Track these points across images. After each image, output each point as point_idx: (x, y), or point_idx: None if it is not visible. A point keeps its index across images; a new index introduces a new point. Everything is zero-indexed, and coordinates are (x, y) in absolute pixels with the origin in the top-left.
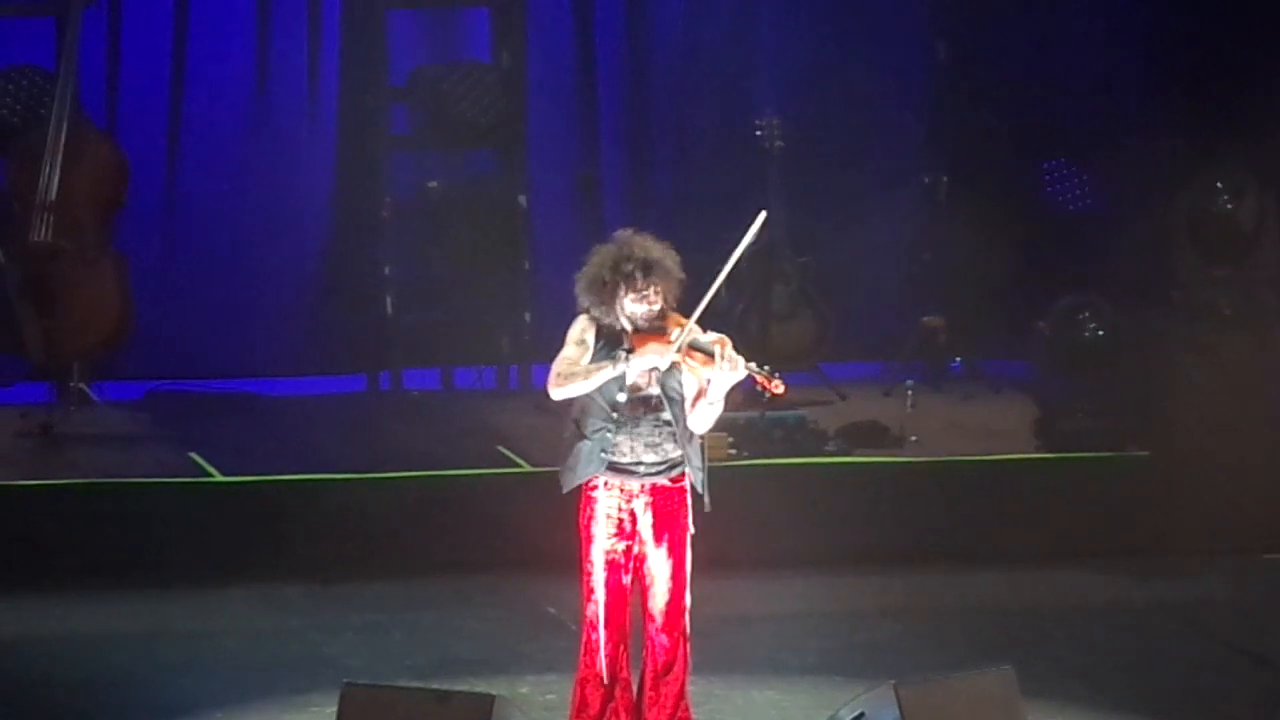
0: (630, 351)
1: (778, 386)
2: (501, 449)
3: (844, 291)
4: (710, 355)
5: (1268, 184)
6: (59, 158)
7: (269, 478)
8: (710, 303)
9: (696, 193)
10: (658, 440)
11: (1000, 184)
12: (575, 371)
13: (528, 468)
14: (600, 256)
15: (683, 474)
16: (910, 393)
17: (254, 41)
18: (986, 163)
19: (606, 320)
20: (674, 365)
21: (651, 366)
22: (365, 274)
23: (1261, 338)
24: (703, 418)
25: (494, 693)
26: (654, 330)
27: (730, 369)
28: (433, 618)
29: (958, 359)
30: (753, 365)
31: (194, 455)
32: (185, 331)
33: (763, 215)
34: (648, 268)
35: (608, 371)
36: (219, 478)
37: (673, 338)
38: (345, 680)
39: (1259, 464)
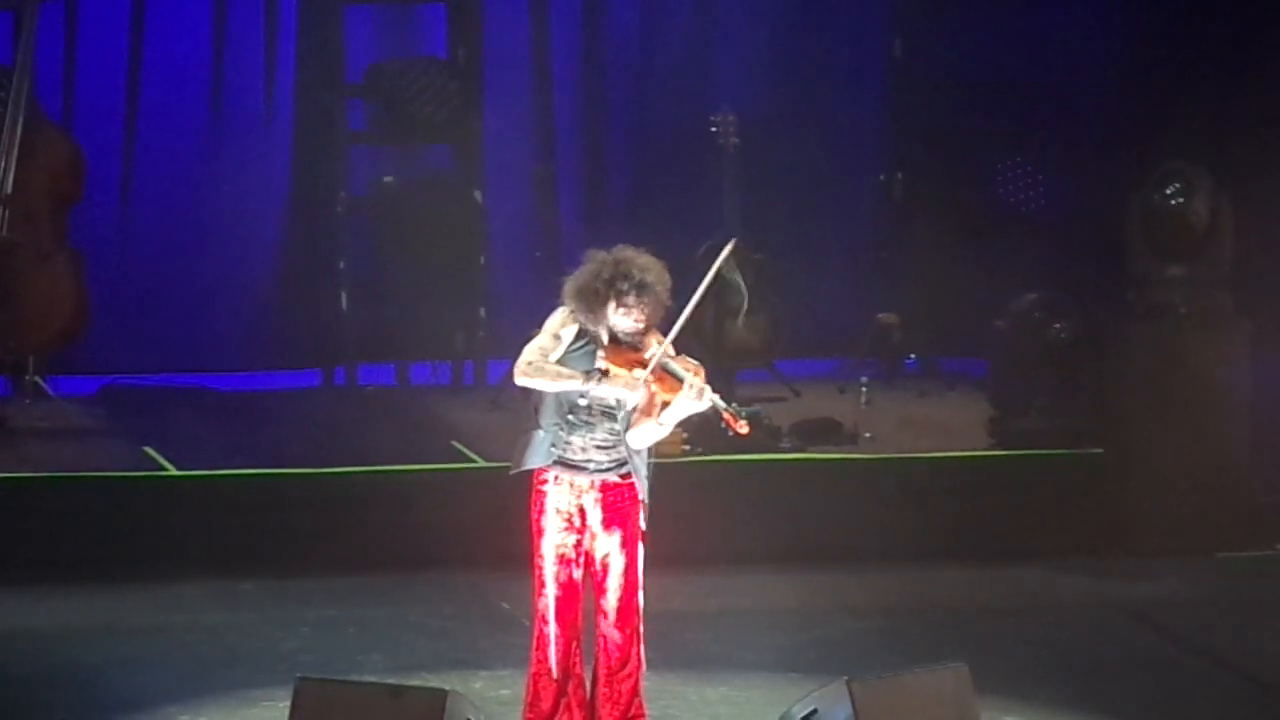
0: (604, 374)
1: (742, 427)
2: (456, 444)
3: (799, 288)
4: (679, 381)
5: (1221, 183)
6: (14, 152)
7: (224, 472)
8: (684, 326)
9: (652, 189)
10: (611, 442)
11: (956, 182)
12: (544, 369)
13: (482, 463)
14: (596, 267)
15: (632, 470)
16: (865, 389)
17: (210, 36)
18: (942, 161)
19: (587, 324)
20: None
21: (618, 399)
22: (320, 269)
23: (1216, 336)
24: (643, 436)
25: (448, 688)
26: (631, 344)
27: (695, 399)
28: (387, 613)
29: (912, 356)
30: (720, 401)
31: (148, 449)
32: (140, 326)
33: (733, 242)
34: (642, 288)
35: (575, 384)
36: (173, 472)
37: (648, 355)
38: (299, 675)
39: (1214, 463)
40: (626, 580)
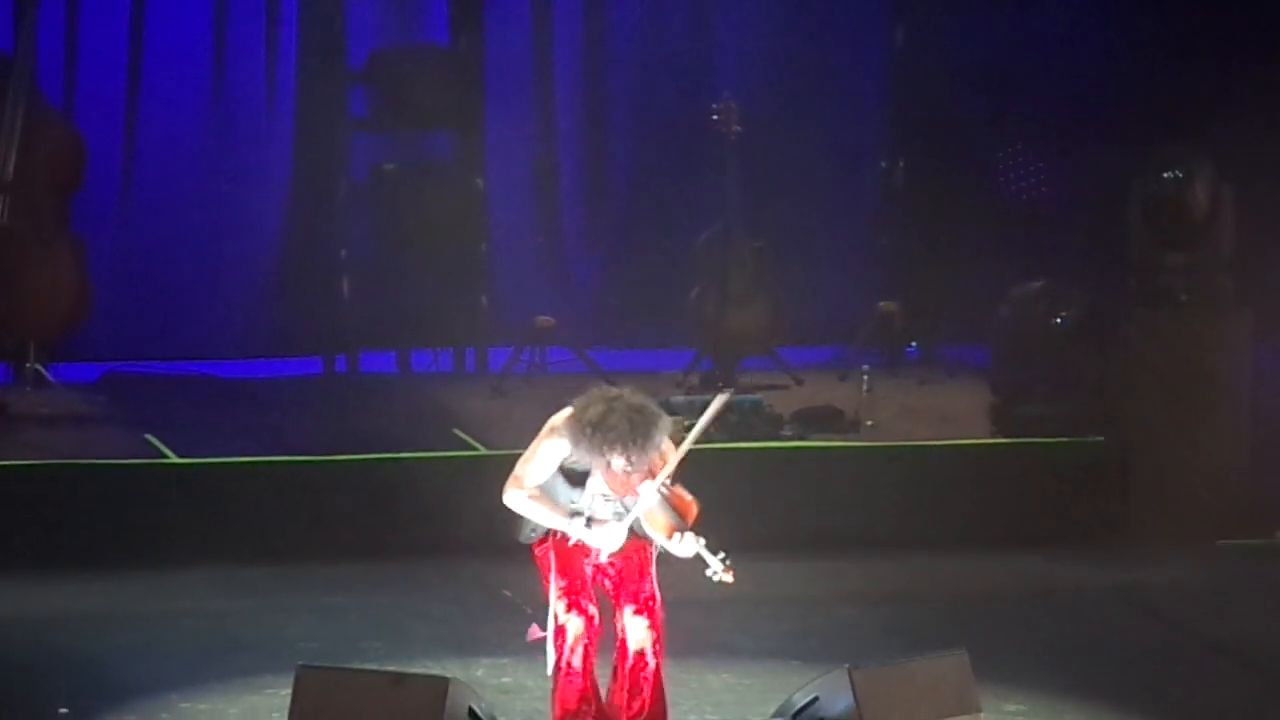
0: (590, 522)
1: (729, 576)
2: (457, 431)
3: (800, 276)
4: (668, 524)
5: (1221, 170)
6: (15, 139)
7: (225, 460)
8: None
9: (653, 176)
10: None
11: (957, 170)
12: (533, 495)
13: (484, 450)
14: (593, 416)
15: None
16: (866, 377)
17: (211, 23)
18: (943, 148)
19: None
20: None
21: (599, 547)
22: (321, 256)
23: (1217, 323)
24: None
25: (449, 675)
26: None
27: (677, 547)
28: (388, 600)
29: (913, 344)
30: (708, 550)
31: (150, 437)
32: (142, 313)
33: (727, 394)
34: (637, 448)
35: (559, 523)
36: (175, 459)
37: (640, 490)
38: (301, 663)
39: (1215, 450)
40: (643, 572)
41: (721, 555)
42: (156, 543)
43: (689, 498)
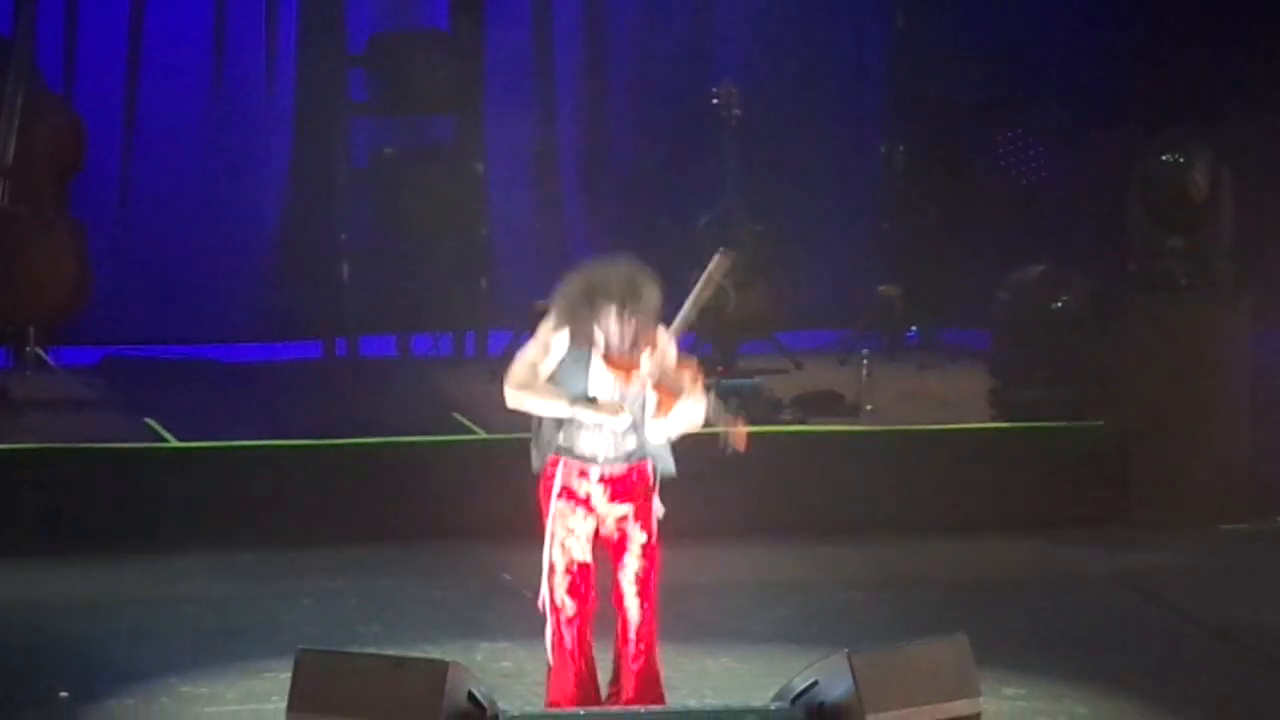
0: (591, 401)
1: (742, 441)
2: (457, 416)
3: (800, 260)
4: (675, 393)
5: (1220, 154)
6: (15, 122)
7: (225, 444)
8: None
9: (653, 159)
10: (617, 440)
11: (957, 154)
12: (532, 389)
13: (483, 435)
14: (582, 282)
15: (643, 460)
16: (866, 362)
17: (211, 6)
18: (944, 132)
19: (577, 335)
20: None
21: (600, 424)
22: (321, 240)
23: (1217, 307)
24: (658, 430)
25: (449, 659)
26: (624, 355)
27: (694, 410)
28: (388, 584)
29: (913, 328)
30: (721, 408)
31: (150, 421)
32: (141, 297)
33: (722, 254)
34: (631, 302)
35: (561, 408)
36: (174, 443)
37: (641, 365)
38: (300, 646)
39: (1215, 434)
40: (644, 553)
41: (735, 404)
42: (156, 526)
43: (692, 365)
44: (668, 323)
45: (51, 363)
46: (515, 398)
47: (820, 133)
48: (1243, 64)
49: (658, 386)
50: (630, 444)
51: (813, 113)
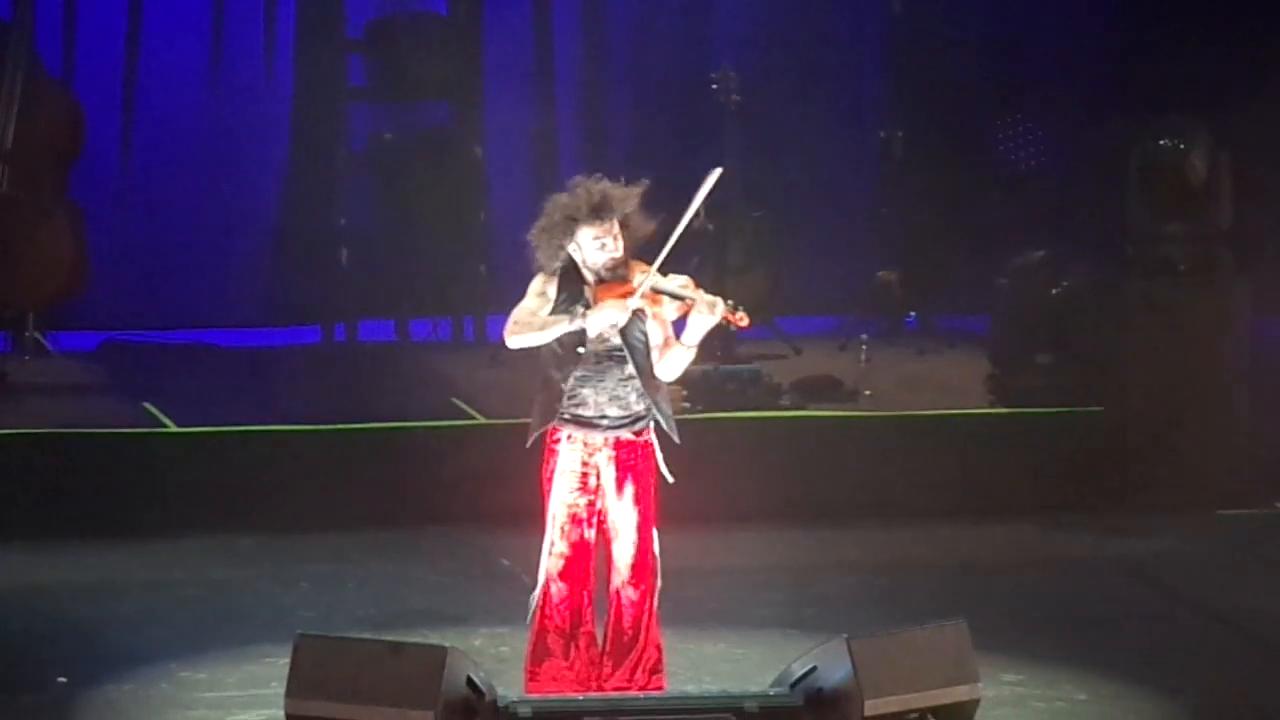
0: (588, 307)
1: (742, 319)
2: (456, 400)
3: (799, 245)
4: (679, 299)
5: (1219, 139)
6: (14, 107)
7: (223, 429)
8: (672, 250)
9: (652, 145)
10: (621, 393)
11: (956, 139)
12: (530, 323)
13: (482, 419)
14: (550, 204)
15: (647, 427)
16: (865, 347)
17: None
18: (943, 118)
19: (567, 274)
20: (638, 313)
21: (611, 323)
22: (320, 225)
23: (1215, 292)
24: (673, 365)
25: (447, 644)
26: (617, 279)
27: (706, 310)
28: (387, 569)
29: (912, 313)
30: (724, 304)
31: (148, 406)
32: (140, 282)
33: (718, 171)
34: (601, 207)
35: (564, 326)
36: (173, 428)
37: (635, 284)
38: (299, 631)
39: (1214, 419)
40: (640, 537)
41: (730, 302)
42: (155, 511)
43: (683, 277)
44: (661, 242)
45: (50, 347)
46: (517, 337)
47: (819, 118)
48: (1242, 49)
49: (655, 299)
50: (633, 403)
51: (812, 98)
